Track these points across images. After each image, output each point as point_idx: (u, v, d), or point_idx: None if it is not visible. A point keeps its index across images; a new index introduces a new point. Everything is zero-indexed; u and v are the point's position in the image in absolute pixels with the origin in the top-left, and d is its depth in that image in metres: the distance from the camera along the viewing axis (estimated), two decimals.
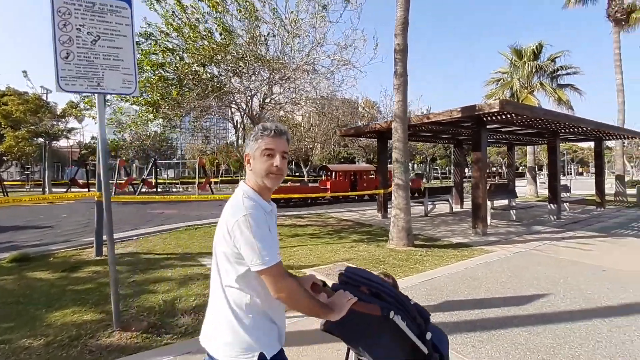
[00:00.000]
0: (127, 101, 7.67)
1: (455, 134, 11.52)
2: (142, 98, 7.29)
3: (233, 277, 1.18)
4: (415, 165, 55.20)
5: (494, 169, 58.01)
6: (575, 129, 10.06)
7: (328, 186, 15.20)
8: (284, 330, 1.30)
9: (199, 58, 7.42)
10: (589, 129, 9.82)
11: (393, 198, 6.46)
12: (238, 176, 36.28)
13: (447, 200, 11.73)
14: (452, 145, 14.59)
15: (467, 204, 11.27)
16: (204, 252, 6.21)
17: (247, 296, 1.18)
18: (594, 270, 4.87)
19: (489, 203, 9.29)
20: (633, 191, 15.61)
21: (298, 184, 17.38)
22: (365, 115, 30.43)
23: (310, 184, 19.44)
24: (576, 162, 60.63)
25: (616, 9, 16.96)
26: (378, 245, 6.58)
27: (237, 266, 1.17)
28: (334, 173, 15.61)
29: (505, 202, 11.08)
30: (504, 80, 20.10)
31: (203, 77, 7.66)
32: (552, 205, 9.86)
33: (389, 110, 23.94)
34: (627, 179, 23.53)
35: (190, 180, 31.44)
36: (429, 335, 1.42)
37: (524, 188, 19.17)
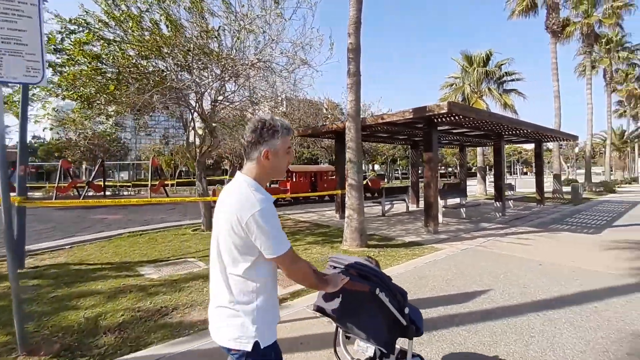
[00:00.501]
0: (56, 95, 6.90)
1: (411, 135, 11.84)
2: (72, 92, 6.59)
3: (244, 267, 1.26)
4: (377, 166, 56.66)
5: (450, 169, 61.22)
6: (517, 131, 10.77)
7: (288, 187, 14.97)
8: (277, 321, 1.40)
9: (142, 50, 6.87)
10: (529, 131, 10.55)
11: (347, 199, 6.40)
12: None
13: (404, 200, 12.01)
14: (409, 146, 15.03)
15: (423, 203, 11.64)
16: (144, 261, 5.72)
17: (254, 284, 1.27)
18: (531, 264, 5.13)
19: (441, 202, 9.63)
20: (568, 189, 17.09)
21: None
22: (329, 116, 30.60)
23: (271, 185, 19.06)
24: (521, 163, 65.89)
25: (553, 21, 18.50)
26: (332, 246, 6.49)
27: (248, 256, 1.25)
28: (293, 174, 15.41)
29: (457, 200, 11.57)
30: (456, 85, 21.19)
31: (145, 70, 7.11)
32: (497, 203, 10.46)
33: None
34: (563, 177, 25.86)
35: (143, 183, 29.56)
36: (407, 310, 1.70)
37: (474, 187, 20.32)
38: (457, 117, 7.31)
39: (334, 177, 17.94)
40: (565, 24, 22.81)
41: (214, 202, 13.51)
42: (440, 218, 9.32)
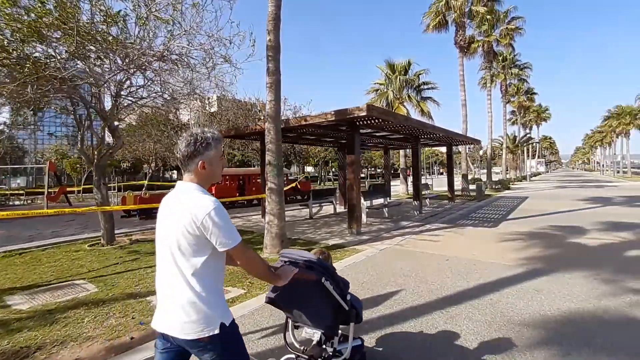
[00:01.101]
0: None
1: (337, 137, 12.03)
2: None
3: (199, 262, 1.37)
4: (312, 168, 57.37)
5: (379, 170, 64.96)
6: (432, 135, 11.71)
7: (212, 191, 14.02)
8: None
9: (16, 31, 5.63)
10: (441, 135, 11.55)
11: (267, 203, 6.10)
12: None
13: (331, 202, 12.15)
14: (337, 149, 15.33)
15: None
16: (16, 288, 4.64)
17: (210, 278, 1.41)
18: (439, 260, 5.47)
19: (366, 202, 9.93)
20: (474, 187, 19.30)
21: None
22: (262, 117, 29.83)
23: None
24: (438, 164, 73.18)
25: (460, 38, 20.76)
26: None
27: (203, 253, 1.38)
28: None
29: (381, 200, 12.10)
30: (380, 91, 22.41)
31: (21, 55, 5.84)
32: (415, 202, 11.20)
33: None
34: (470, 177, 29.21)
35: (40, 190, 25.08)
36: (348, 297, 1.97)
37: (398, 187, 21.73)
38: (376, 120, 7.55)
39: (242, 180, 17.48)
40: (470, 41, 25.83)
41: (126, 211, 11.76)
42: (364, 218, 9.59)
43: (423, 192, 14.09)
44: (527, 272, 4.70)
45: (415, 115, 21.33)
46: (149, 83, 8.08)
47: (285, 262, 1.91)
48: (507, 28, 25.80)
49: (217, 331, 1.38)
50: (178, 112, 25.57)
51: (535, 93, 46.75)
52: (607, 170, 59.31)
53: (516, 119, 45.91)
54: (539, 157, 63.96)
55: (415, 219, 10.15)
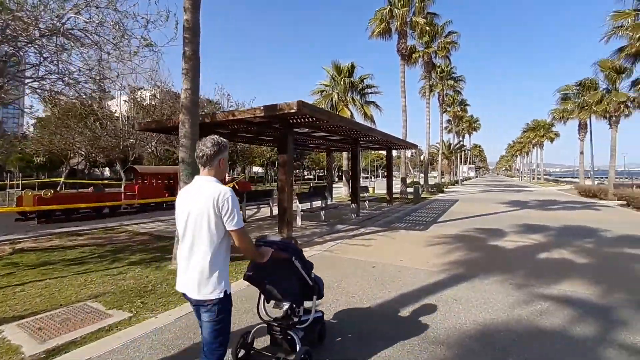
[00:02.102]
0: None
1: (275, 136, 11.44)
2: None
3: (217, 240, 1.82)
4: (260, 168, 55.83)
5: (326, 172, 65.51)
6: (370, 138, 11.71)
7: (135, 191, 12.49)
8: None
9: None
10: (379, 138, 11.60)
11: None
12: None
13: (268, 204, 11.52)
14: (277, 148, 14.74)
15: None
16: None
17: (223, 253, 1.87)
18: (366, 267, 5.20)
19: (305, 205, 9.48)
20: (412, 190, 20.07)
21: (90, 190, 13.62)
22: (202, 112, 27.88)
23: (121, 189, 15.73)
24: (382, 167, 76.31)
25: (402, 46, 21.49)
26: (159, 267, 5.27)
27: (220, 233, 1.81)
28: (143, 176, 12.98)
29: (320, 203, 11.79)
30: (326, 92, 22.32)
31: None
32: (353, 204, 11.08)
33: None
34: (410, 180, 30.62)
35: None
36: (312, 275, 2.50)
37: (341, 189, 21.81)
38: (309, 119, 7.14)
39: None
40: (412, 51, 27.03)
41: (23, 213, 9.94)
42: (299, 222, 9.15)
43: (362, 195, 14.14)
44: (449, 279, 4.61)
45: (358, 118, 21.62)
46: (45, 62, 6.77)
47: (261, 244, 2.20)
48: (444, 41, 27.49)
49: (221, 295, 1.81)
50: (104, 103, 22.87)
51: (467, 104, 51.07)
52: (524, 177, 67.03)
53: (451, 128, 49.57)
54: (470, 163, 70.06)
55: (352, 222, 9.98)
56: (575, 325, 3.19)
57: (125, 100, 22.30)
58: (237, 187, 14.76)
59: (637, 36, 13.19)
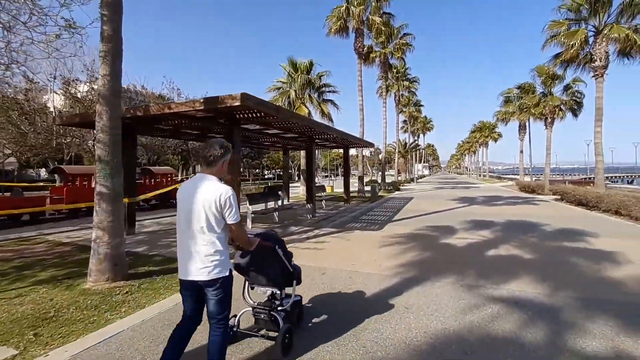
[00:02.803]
0: None
1: (225, 133, 10.68)
2: None
3: (219, 229, 2.10)
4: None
5: (290, 171, 64.65)
6: (325, 136, 11.40)
7: (63, 194, 10.98)
8: None
9: None
10: (335, 136, 11.32)
11: (94, 213, 4.48)
12: None
13: None
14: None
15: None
16: None
17: (224, 239, 2.16)
18: (315, 274, 4.81)
19: (257, 206, 8.87)
20: (369, 188, 20.23)
21: (8, 195, 11.75)
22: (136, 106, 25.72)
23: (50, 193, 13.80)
24: (342, 166, 77.28)
25: (359, 45, 21.54)
26: (70, 286, 4.43)
27: (221, 224, 2.10)
28: (72, 177, 11.47)
29: (273, 203, 11.23)
30: (283, 90, 21.71)
31: None
32: (308, 205, 10.69)
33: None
34: (368, 179, 31.05)
35: None
36: (292, 263, 2.83)
37: (298, 189, 21.38)
38: (256, 113, 6.60)
39: (142, 180, 14.80)
40: (369, 50, 27.34)
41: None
42: (249, 224, 8.56)
43: (319, 194, 13.83)
44: (401, 284, 4.37)
45: (316, 116, 21.31)
46: None
47: (250, 236, 2.43)
48: (399, 42, 28.15)
49: (227, 274, 2.15)
50: (31, 95, 20.10)
51: (422, 105, 53.20)
52: (472, 174, 71.69)
53: (407, 128, 51.38)
54: (424, 161, 73.39)
55: (306, 223, 9.58)
56: (526, 330, 3.05)
57: (56, 92, 19.87)
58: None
59: (571, 43, 14.35)
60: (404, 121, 50.87)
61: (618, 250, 6.09)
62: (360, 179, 19.73)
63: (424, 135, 67.01)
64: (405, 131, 53.18)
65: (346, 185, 15.12)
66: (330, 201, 15.01)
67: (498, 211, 12.22)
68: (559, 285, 4.25)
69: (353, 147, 17.16)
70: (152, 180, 14.62)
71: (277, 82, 22.49)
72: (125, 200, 8.14)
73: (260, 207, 11.60)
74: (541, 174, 29.84)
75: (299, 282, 2.93)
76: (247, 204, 8.66)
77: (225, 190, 2.06)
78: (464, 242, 6.89)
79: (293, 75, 21.42)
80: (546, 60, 16.98)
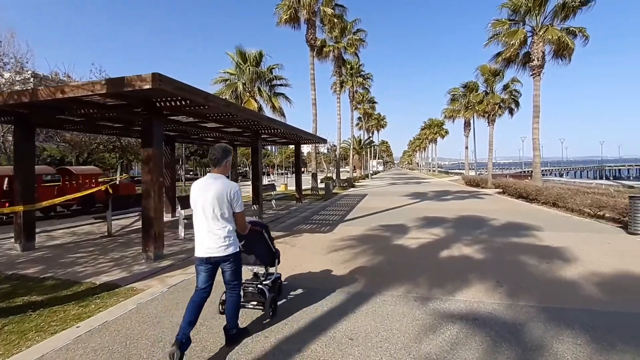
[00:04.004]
0: None
1: (144, 125, 9.28)
2: None
3: (230, 215, 2.65)
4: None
5: (245, 169, 62.19)
6: (273, 130, 10.49)
7: None
8: None
9: None
10: (282, 130, 10.47)
11: None
12: None
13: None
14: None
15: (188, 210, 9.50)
16: None
17: (233, 223, 2.70)
18: None
19: (184, 212, 7.71)
20: (323, 185, 19.70)
21: None
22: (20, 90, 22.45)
23: None
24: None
25: (311, 36, 20.77)
26: None
27: (230, 211, 2.64)
28: None
29: None
30: (230, 82, 20.26)
31: None
32: (254, 206, 9.76)
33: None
34: (323, 176, 30.62)
35: None
36: (275, 245, 3.53)
37: (250, 188, 20.18)
38: (181, 101, 5.54)
39: (61, 183, 12.73)
40: (323, 44, 26.79)
41: None
42: (182, 233, 7.42)
43: (268, 194, 12.91)
44: (347, 302, 3.70)
45: (267, 111, 20.22)
46: None
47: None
48: (353, 37, 27.93)
49: (237, 250, 2.73)
50: None
51: (376, 102, 54.02)
52: (422, 169, 75.08)
53: (362, 124, 51.96)
54: (378, 158, 75.19)
55: None
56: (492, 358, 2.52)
57: None
58: (110, 190, 11.74)
59: (511, 42, 14.98)
60: (359, 118, 51.36)
61: (563, 245, 6.07)
62: (314, 176, 19.08)
63: (378, 132, 68.53)
64: (360, 128, 53.77)
65: (298, 183, 14.36)
66: (282, 200, 14.16)
67: (448, 206, 12.29)
68: (516, 291, 3.89)
69: (305, 143, 16.43)
70: (73, 182, 12.58)
71: (224, 73, 20.95)
72: (18, 208, 6.59)
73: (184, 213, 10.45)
74: (484, 169, 31.72)
75: (279, 262, 3.58)
76: (179, 208, 7.50)
77: (234, 186, 2.64)
78: (416, 243, 6.49)
79: (242, 66, 20.06)
80: (490, 58, 17.64)
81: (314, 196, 17.15)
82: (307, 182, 21.54)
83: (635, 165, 74.66)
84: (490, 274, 4.54)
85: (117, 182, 14.94)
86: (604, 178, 57.29)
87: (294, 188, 21.06)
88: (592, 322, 3.08)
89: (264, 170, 68.88)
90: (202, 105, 5.91)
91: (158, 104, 5.75)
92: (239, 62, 20.21)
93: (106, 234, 7.87)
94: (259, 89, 19.86)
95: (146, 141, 5.74)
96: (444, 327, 3.05)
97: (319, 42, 25.36)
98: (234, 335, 2.79)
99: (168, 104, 5.77)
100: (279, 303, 3.56)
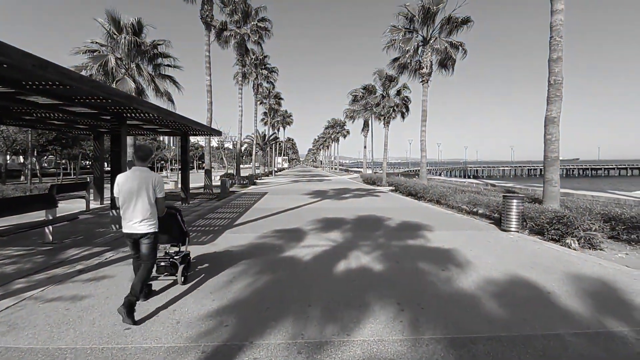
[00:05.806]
0: None
1: (92, 124, 6.13)
2: None
3: (153, 199, 3.33)
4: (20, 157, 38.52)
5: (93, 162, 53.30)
6: (145, 115, 8.29)
7: None
8: None
9: None
10: (156, 115, 8.37)
11: None
12: None
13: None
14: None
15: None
16: None
17: (155, 206, 3.37)
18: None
19: (25, 217, 5.12)
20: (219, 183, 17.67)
21: None
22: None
23: None
24: (198, 158, 70.05)
25: (207, 13, 18.30)
26: None
27: (153, 196, 3.33)
28: None
29: (45, 215, 7.32)
30: (100, 53, 16.31)
31: None
32: (113, 211, 7.48)
33: None
34: (224, 172, 28.09)
35: None
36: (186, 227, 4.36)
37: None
38: None
39: None
40: (223, 27, 24.32)
41: None
42: None
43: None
44: None
45: (151, 96, 17.00)
46: None
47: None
48: (257, 25, 26.21)
49: (156, 229, 3.37)
50: None
51: (282, 98, 53.08)
52: (326, 167, 77.95)
53: (267, 120, 50.40)
54: (284, 155, 74.87)
55: (101, 241, 6.46)
56: None
57: None
58: None
59: (407, 49, 15.84)
60: (264, 113, 49.68)
61: (453, 246, 6.04)
62: (207, 172, 16.85)
63: (284, 128, 67.80)
64: (265, 123, 52.09)
65: (184, 180, 12.19)
66: (167, 200, 11.78)
67: (346, 205, 12.08)
68: (419, 317, 3.26)
69: (195, 135, 14.15)
70: None
71: (92, 42, 16.76)
72: None
73: (26, 219, 7.58)
74: (380, 167, 34.17)
75: (189, 241, 4.43)
76: None
77: (157, 175, 3.40)
78: (311, 253, 5.60)
79: (115, 36, 16.30)
80: (388, 63, 18.44)
81: (206, 195, 15.05)
82: (203, 180, 19.05)
83: (488, 167, 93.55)
84: (389, 292, 3.89)
85: None
86: (467, 177, 69.58)
87: (195, 184, 18.37)
88: (502, 355, 2.55)
89: (160, 165, 60.48)
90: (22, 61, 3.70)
91: None
92: (111, 30, 16.38)
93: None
94: (139, 66, 16.49)
95: None
96: None
97: (217, 23, 22.93)
98: (133, 302, 3.14)
99: None
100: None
